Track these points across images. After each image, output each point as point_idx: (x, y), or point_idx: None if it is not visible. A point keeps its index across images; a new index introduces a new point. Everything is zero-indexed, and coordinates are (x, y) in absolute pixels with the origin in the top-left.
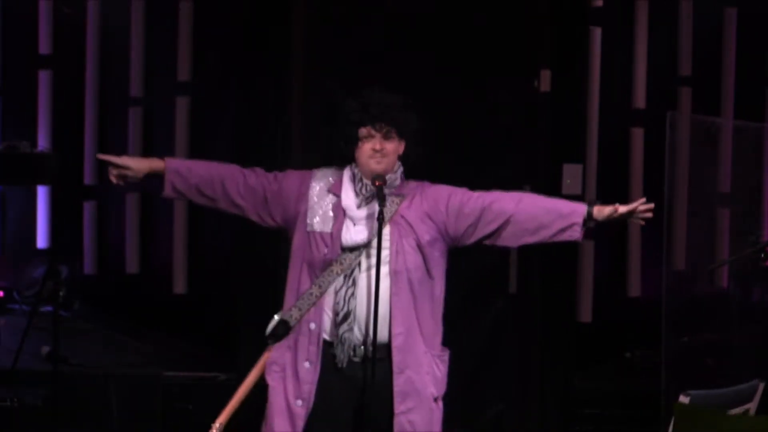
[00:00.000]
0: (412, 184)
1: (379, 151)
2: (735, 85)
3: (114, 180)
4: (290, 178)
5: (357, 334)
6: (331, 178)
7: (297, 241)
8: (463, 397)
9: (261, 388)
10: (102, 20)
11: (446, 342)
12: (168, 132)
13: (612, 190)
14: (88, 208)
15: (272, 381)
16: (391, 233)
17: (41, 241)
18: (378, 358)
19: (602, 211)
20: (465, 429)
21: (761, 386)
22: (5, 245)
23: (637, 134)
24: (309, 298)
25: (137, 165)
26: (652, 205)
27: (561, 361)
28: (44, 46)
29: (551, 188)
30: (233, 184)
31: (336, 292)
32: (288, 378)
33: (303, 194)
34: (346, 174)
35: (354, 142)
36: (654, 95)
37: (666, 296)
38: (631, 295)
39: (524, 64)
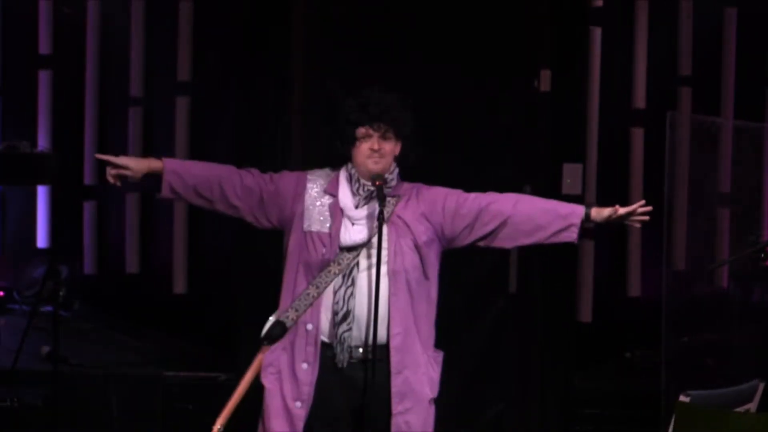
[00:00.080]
0: (407, 185)
1: (377, 151)
2: (735, 85)
3: (111, 180)
4: (286, 178)
5: (356, 334)
6: (326, 179)
7: (293, 241)
8: (463, 397)
9: (259, 388)
10: (102, 20)
11: (446, 342)
12: (168, 132)
13: (612, 190)
14: (88, 208)
15: (268, 383)
16: (389, 233)
17: (41, 241)
18: (372, 358)
19: (601, 213)
20: (465, 429)
21: (761, 386)
22: (5, 245)
23: (637, 134)
24: (306, 298)
25: (136, 165)
26: (650, 208)
27: (561, 361)
28: (44, 46)
29: (551, 188)
30: (230, 185)
31: (335, 292)
32: (285, 380)
33: (299, 195)
34: (342, 174)
35: (351, 141)
36: (654, 95)
37: (666, 296)
38: (631, 295)
39: (524, 64)
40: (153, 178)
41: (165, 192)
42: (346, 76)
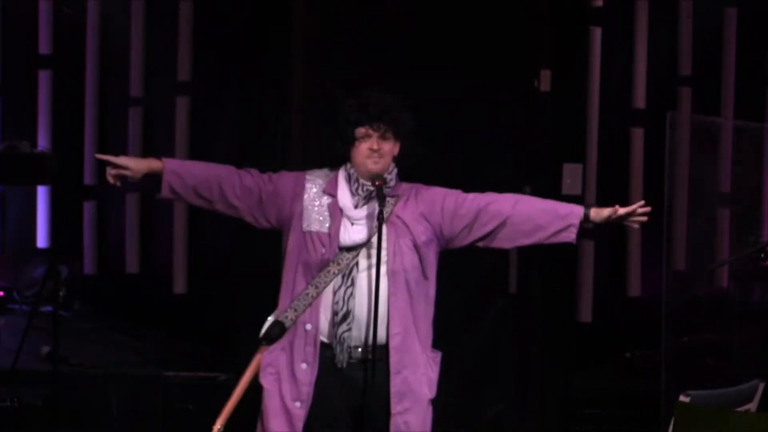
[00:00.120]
0: (405, 185)
1: (377, 150)
2: (735, 85)
3: (111, 180)
4: (285, 178)
5: (355, 334)
6: (325, 179)
7: (292, 241)
8: (463, 397)
9: (259, 388)
10: (102, 20)
11: (446, 342)
12: (168, 132)
13: (612, 190)
14: (88, 208)
15: (267, 383)
16: (388, 233)
17: (41, 241)
18: (372, 359)
19: (600, 213)
20: (465, 429)
21: (761, 386)
22: (5, 245)
23: (637, 134)
24: (305, 298)
25: (136, 165)
26: (649, 209)
27: (561, 361)
28: (44, 46)
29: (551, 188)
30: (229, 185)
31: (335, 292)
32: (284, 380)
33: (298, 194)
34: (341, 174)
35: (351, 141)
36: (654, 95)
37: (666, 296)
38: (631, 295)
39: (524, 64)
40: (153, 179)
41: (165, 192)
42: (346, 76)
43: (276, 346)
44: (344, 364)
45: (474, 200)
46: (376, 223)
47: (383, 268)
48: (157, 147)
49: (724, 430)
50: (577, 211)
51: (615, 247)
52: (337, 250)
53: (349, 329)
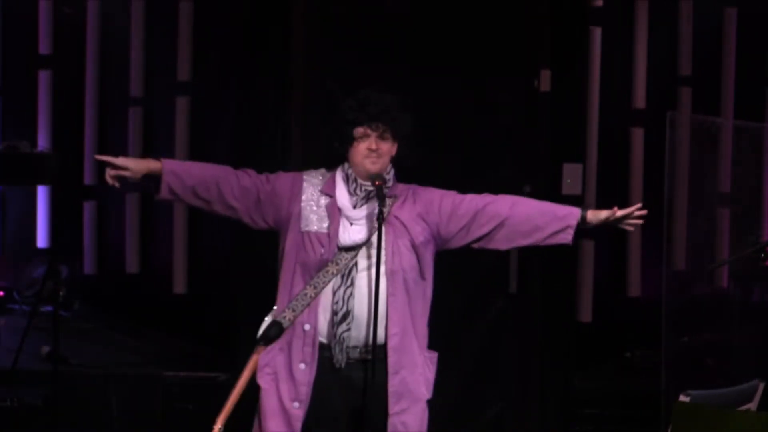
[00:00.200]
0: (402, 185)
1: (375, 150)
2: (735, 85)
3: (110, 181)
4: (282, 179)
5: (354, 334)
6: (322, 179)
7: (290, 241)
8: (463, 397)
9: (258, 388)
10: (102, 20)
11: (446, 342)
12: (168, 132)
13: (612, 190)
14: (88, 208)
15: (265, 384)
16: (387, 234)
17: (41, 241)
18: (372, 359)
19: (598, 215)
20: (465, 429)
21: (761, 386)
22: (5, 245)
23: (637, 134)
24: (303, 299)
25: (135, 166)
26: (645, 212)
27: (561, 361)
28: (44, 46)
29: (551, 188)
30: (227, 185)
31: (334, 292)
32: (282, 380)
33: (295, 195)
34: (339, 174)
35: (349, 141)
36: (654, 95)
37: (666, 296)
38: (631, 295)
39: (524, 64)
40: (150, 181)
41: (163, 193)
42: (346, 76)
43: (274, 347)
44: (342, 364)
45: (472, 201)
46: (375, 223)
47: (382, 268)
48: (157, 147)
49: (724, 429)
50: (575, 212)
51: (615, 247)
52: (336, 250)
53: (349, 329)
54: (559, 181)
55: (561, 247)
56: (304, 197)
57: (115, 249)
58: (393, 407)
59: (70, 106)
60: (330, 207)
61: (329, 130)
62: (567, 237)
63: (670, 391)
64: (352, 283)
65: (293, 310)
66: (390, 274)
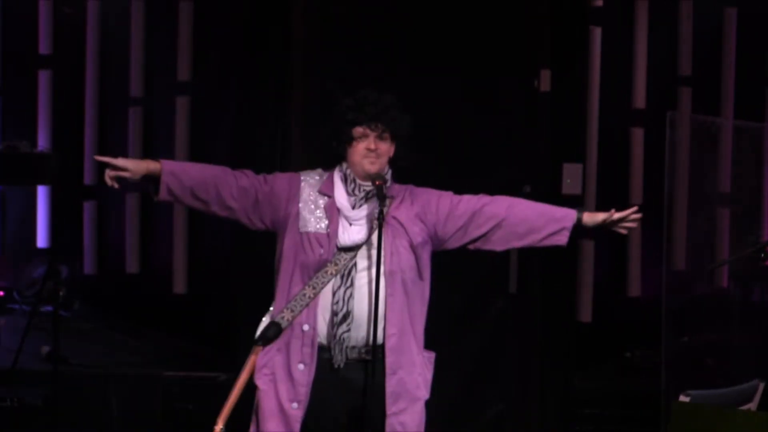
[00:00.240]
0: (398, 186)
1: (374, 150)
2: (735, 85)
3: (109, 182)
4: (280, 179)
5: (354, 335)
6: (319, 179)
7: (288, 242)
8: (464, 397)
9: (255, 388)
10: (102, 20)
11: (446, 342)
12: (168, 132)
13: (612, 190)
14: (88, 208)
15: (263, 384)
16: (385, 234)
17: (41, 241)
18: (372, 359)
19: (595, 218)
20: (465, 429)
21: (761, 386)
22: (5, 245)
23: (637, 134)
24: (302, 299)
25: (134, 167)
26: (640, 215)
27: (561, 361)
28: (44, 46)
29: (551, 188)
30: (226, 186)
31: (334, 293)
32: (280, 381)
33: (293, 195)
34: (337, 174)
35: (348, 141)
36: (654, 95)
37: (666, 296)
38: (631, 295)
39: (524, 64)
40: (150, 182)
41: (162, 194)
42: (346, 76)
43: (272, 347)
44: (342, 365)
45: (469, 202)
46: (374, 224)
47: (381, 269)
48: (157, 147)
49: (724, 429)
50: (571, 215)
51: (615, 247)
52: (335, 251)
53: (348, 330)
54: (559, 181)
55: (560, 248)
56: (301, 198)
57: (115, 249)
58: (391, 407)
59: (70, 106)
60: (329, 207)
61: (328, 130)
62: (562, 239)
63: (670, 391)
64: (351, 284)
65: (292, 311)
66: (389, 275)
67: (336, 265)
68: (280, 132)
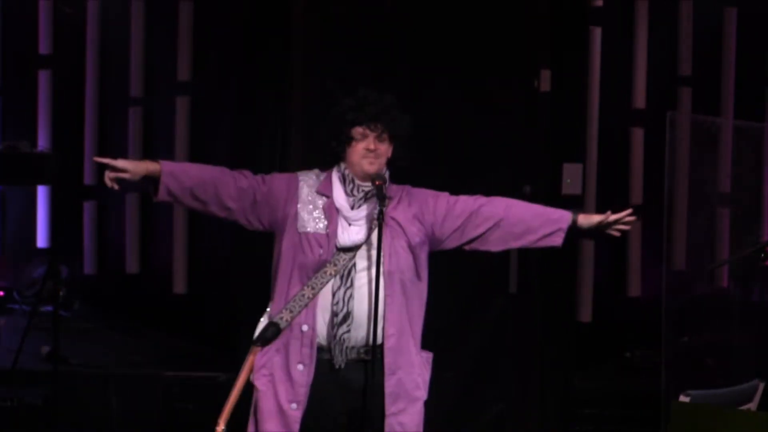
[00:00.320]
0: (395, 186)
1: (373, 151)
2: (735, 85)
3: (109, 183)
4: (278, 180)
5: (354, 335)
6: (317, 179)
7: (287, 242)
8: (464, 397)
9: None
10: (102, 20)
11: (446, 342)
12: (168, 132)
13: (612, 190)
14: (88, 208)
15: (261, 385)
16: (384, 234)
17: (41, 241)
18: (372, 359)
19: (590, 219)
20: (465, 429)
21: (761, 386)
22: (5, 245)
23: (637, 134)
24: (301, 300)
25: (134, 168)
26: (634, 218)
27: (561, 361)
28: (44, 46)
29: (551, 188)
30: (225, 187)
31: (333, 293)
32: (279, 381)
33: (292, 196)
34: (335, 174)
35: (347, 141)
36: (654, 95)
37: (666, 296)
38: (631, 295)
39: (524, 64)
40: (150, 183)
41: (161, 195)
42: (346, 76)
43: (270, 348)
44: (342, 365)
45: (466, 202)
46: (373, 224)
47: (380, 269)
48: (157, 147)
49: (724, 429)
50: (567, 216)
51: (615, 247)
52: (334, 251)
53: (348, 330)
54: (559, 181)
55: (555, 248)
56: (300, 198)
57: (115, 249)
58: (390, 408)
59: (70, 106)
60: (327, 207)
61: (328, 130)
62: (557, 240)
63: (670, 391)
64: (351, 284)
65: (291, 311)
66: (387, 275)
67: (335, 265)
68: (280, 132)
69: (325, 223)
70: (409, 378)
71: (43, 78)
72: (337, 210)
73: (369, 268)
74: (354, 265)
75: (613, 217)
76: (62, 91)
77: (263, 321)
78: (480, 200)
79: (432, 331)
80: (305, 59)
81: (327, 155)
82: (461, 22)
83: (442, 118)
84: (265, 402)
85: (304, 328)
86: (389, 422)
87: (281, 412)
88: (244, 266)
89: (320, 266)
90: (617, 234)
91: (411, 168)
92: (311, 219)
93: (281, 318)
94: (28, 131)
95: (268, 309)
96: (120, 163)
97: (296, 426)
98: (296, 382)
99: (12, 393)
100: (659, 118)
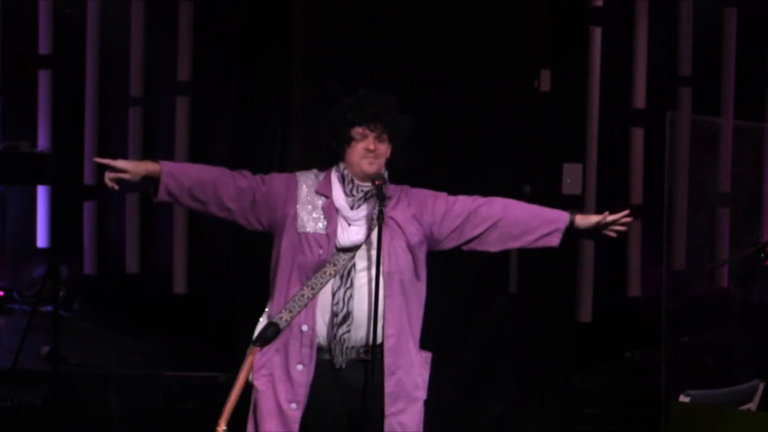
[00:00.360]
0: (393, 186)
1: (373, 151)
2: (735, 85)
3: (109, 184)
4: (277, 180)
5: (353, 335)
6: (315, 180)
7: (286, 243)
8: (464, 397)
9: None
10: (102, 20)
11: (446, 342)
12: (168, 132)
13: (612, 190)
14: (88, 208)
15: (261, 385)
16: (383, 234)
17: (41, 241)
18: (371, 360)
19: (588, 220)
20: (465, 429)
21: (761, 386)
22: (5, 245)
23: (637, 134)
24: (300, 300)
25: (134, 168)
26: (630, 219)
27: (561, 361)
28: (44, 46)
29: (551, 188)
30: (224, 187)
31: (333, 293)
32: (279, 381)
33: (291, 196)
34: (334, 174)
35: (347, 141)
36: (654, 95)
37: (666, 296)
38: (631, 295)
39: (524, 64)
40: (150, 183)
41: (161, 195)
42: (346, 76)
43: (270, 348)
44: (343, 365)
45: (464, 202)
46: (373, 224)
47: (380, 269)
48: (157, 147)
49: (724, 429)
50: (564, 216)
51: (615, 247)
52: (334, 251)
53: (349, 330)
54: (559, 181)
55: (561, 247)
56: (299, 198)
57: (115, 249)
58: (389, 408)
59: (70, 106)
60: (326, 207)
61: (327, 130)
62: (554, 240)
63: (670, 391)
64: (351, 284)
65: (290, 311)
66: (387, 275)
67: (335, 265)
68: (280, 132)
69: (325, 223)
70: (408, 378)
71: (43, 78)
72: (337, 210)
73: (369, 268)
74: (354, 265)
75: (611, 217)
76: (62, 91)
77: (262, 321)
78: (478, 200)
79: (431, 331)
80: (305, 59)
81: (327, 155)
82: (461, 22)
83: (442, 118)
84: (265, 402)
85: (304, 328)
86: (389, 422)
87: (281, 412)
88: (244, 266)
89: (320, 266)
90: (614, 235)
91: (411, 168)
92: (310, 219)
93: (281, 318)
94: (28, 131)
95: (266, 309)
96: (120, 163)
97: (296, 426)
98: (296, 382)
99: (12, 393)
100: (659, 118)
